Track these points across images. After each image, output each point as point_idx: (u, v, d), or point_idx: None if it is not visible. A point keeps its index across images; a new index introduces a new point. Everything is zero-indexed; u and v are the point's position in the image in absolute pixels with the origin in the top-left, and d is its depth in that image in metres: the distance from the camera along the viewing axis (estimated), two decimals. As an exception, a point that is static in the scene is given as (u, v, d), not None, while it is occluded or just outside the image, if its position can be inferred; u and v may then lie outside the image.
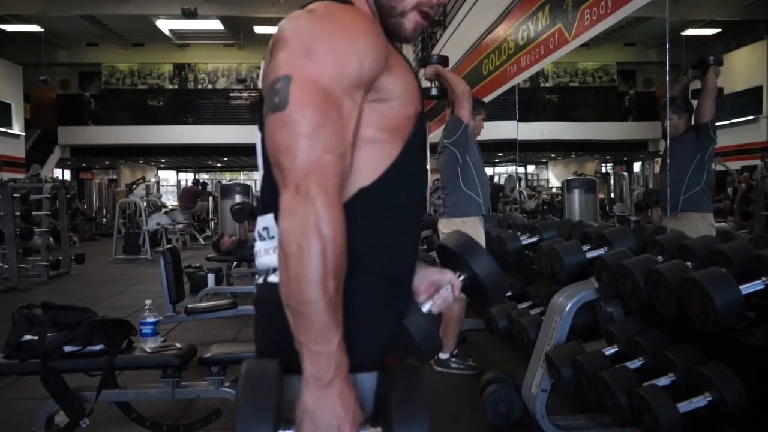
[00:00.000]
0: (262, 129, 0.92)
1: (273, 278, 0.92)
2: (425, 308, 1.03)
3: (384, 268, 0.93)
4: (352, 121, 0.85)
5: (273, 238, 0.92)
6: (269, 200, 0.90)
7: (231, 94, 18.23)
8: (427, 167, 1.06)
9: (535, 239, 3.52)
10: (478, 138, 3.68)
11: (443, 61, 3.64)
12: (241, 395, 0.78)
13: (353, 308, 0.86)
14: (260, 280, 0.96)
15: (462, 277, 1.08)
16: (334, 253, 0.78)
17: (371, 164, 0.90)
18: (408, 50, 10.95)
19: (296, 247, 0.77)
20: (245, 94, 18.17)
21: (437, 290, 1.07)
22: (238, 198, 11.07)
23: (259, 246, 0.96)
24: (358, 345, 0.87)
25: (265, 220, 0.94)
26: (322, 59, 0.82)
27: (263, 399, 0.78)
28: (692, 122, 3.25)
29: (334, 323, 0.79)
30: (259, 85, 0.95)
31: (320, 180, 0.79)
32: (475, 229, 3.48)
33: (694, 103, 3.29)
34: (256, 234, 0.97)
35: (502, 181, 16.05)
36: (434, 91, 3.51)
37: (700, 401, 1.89)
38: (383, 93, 0.89)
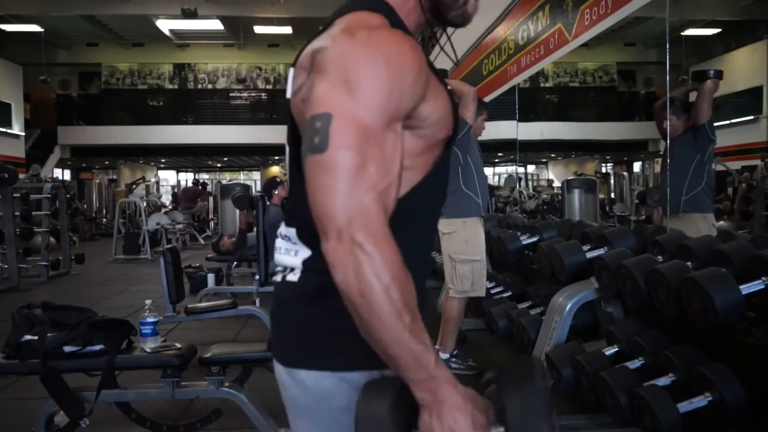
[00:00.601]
0: (290, 144, 0.93)
1: (292, 277, 0.94)
2: None
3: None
4: (396, 154, 0.82)
5: (295, 243, 0.94)
6: (295, 214, 0.92)
7: (231, 94, 18.23)
8: (446, 192, 1.04)
9: (535, 239, 3.52)
10: (478, 138, 3.68)
11: (443, 73, 3.64)
12: (363, 417, 0.79)
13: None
14: (278, 278, 0.97)
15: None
16: (398, 289, 0.77)
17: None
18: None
19: (360, 297, 0.76)
20: (245, 94, 18.17)
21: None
22: (238, 198, 11.07)
23: (280, 243, 0.97)
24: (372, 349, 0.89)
25: (287, 231, 0.96)
26: (363, 95, 0.79)
27: (386, 417, 0.78)
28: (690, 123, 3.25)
29: (422, 349, 0.79)
30: (287, 94, 0.92)
31: (364, 223, 0.77)
32: (475, 229, 3.48)
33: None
34: (279, 231, 0.98)
35: (502, 182, 16.05)
36: None
37: (700, 401, 1.89)
38: (418, 121, 0.87)
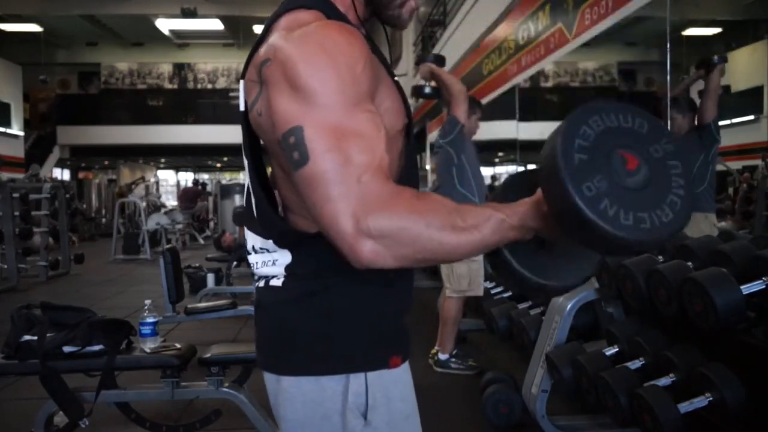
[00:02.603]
0: (248, 156, 0.93)
1: (275, 282, 0.92)
2: None
3: (384, 274, 0.91)
4: (378, 132, 0.81)
5: (274, 252, 0.92)
6: (268, 226, 0.91)
7: (231, 94, 18.20)
8: (428, 167, 1.02)
9: (535, 239, 3.51)
10: (478, 138, 3.67)
11: (440, 60, 3.60)
12: None
13: (356, 311, 0.87)
14: (261, 284, 0.96)
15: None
16: (433, 216, 0.77)
17: None
18: (408, 51, 10.96)
19: (420, 256, 0.77)
20: (245, 94, 18.13)
21: None
22: (237, 198, 11.07)
23: (256, 259, 0.95)
24: (362, 346, 0.88)
25: (264, 243, 0.94)
26: (319, 98, 0.79)
27: None
28: (696, 122, 3.24)
29: (492, 214, 0.80)
30: (240, 107, 0.93)
31: (368, 210, 0.76)
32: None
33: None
34: (249, 247, 0.97)
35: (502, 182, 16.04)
36: (427, 90, 3.44)
37: (700, 401, 1.88)
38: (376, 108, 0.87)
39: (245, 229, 1.00)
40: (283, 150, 0.81)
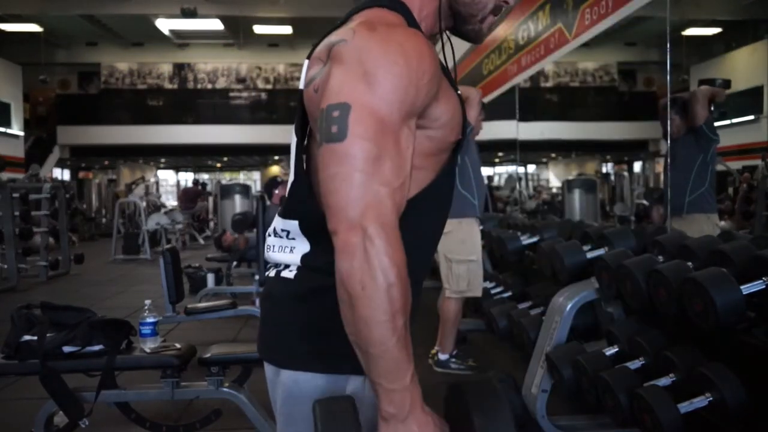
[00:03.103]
0: (298, 133, 0.91)
1: (287, 274, 0.92)
2: None
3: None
4: (409, 150, 0.82)
5: (293, 239, 0.92)
6: (298, 207, 0.90)
7: (231, 94, 18.21)
8: (453, 190, 1.04)
9: (535, 239, 3.52)
10: (478, 138, 3.68)
11: None
12: None
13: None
14: (272, 273, 0.95)
15: None
16: (399, 290, 0.76)
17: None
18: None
19: (360, 288, 0.75)
20: (245, 94, 18.16)
21: None
22: (237, 198, 11.06)
23: (273, 242, 0.95)
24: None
25: (286, 224, 0.93)
26: (381, 88, 0.79)
27: None
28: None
29: (405, 358, 0.78)
30: (300, 85, 0.92)
31: (377, 216, 0.76)
32: (471, 229, 3.48)
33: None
34: (270, 230, 0.96)
35: (502, 182, 16.06)
36: None
37: (700, 401, 1.88)
38: (430, 121, 0.87)
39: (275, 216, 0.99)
40: (322, 120, 0.80)
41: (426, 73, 0.82)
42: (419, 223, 0.92)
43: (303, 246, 0.91)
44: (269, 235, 0.97)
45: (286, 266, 0.93)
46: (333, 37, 0.87)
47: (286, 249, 0.93)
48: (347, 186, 0.77)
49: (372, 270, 0.75)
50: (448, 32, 1.01)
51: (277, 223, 0.95)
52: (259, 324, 0.98)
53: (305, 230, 0.91)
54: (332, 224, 0.78)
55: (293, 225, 0.92)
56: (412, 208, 0.88)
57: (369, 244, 0.75)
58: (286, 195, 0.96)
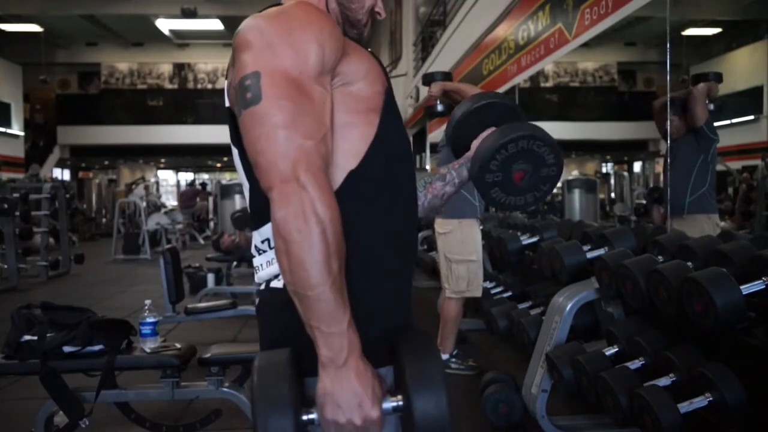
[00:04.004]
0: (236, 144, 0.93)
1: (277, 284, 0.93)
2: None
3: (384, 248, 0.94)
4: (326, 106, 0.86)
5: (272, 249, 0.92)
6: (263, 210, 0.90)
7: (231, 94, 18.19)
8: (409, 139, 1.10)
9: (535, 239, 3.51)
10: (478, 138, 3.67)
11: (448, 77, 3.64)
12: (258, 384, 0.78)
13: (352, 289, 0.87)
14: (262, 286, 0.97)
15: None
16: (333, 233, 0.79)
17: (354, 147, 0.91)
18: (408, 51, 10.95)
19: (296, 233, 0.78)
20: (245, 94, 18.12)
21: None
22: (238, 198, 11.05)
23: (260, 260, 0.96)
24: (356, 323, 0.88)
25: (262, 233, 0.94)
26: (286, 52, 0.84)
27: (281, 385, 0.78)
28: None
29: (341, 303, 0.80)
30: (226, 102, 0.95)
31: (307, 166, 0.80)
32: (471, 230, 3.48)
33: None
34: (253, 249, 0.97)
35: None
36: (440, 108, 3.51)
37: (700, 402, 1.88)
38: (348, 76, 0.91)
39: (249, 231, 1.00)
40: (237, 92, 0.84)
41: (324, 30, 0.87)
42: (384, 183, 0.94)
43: None
44: (254, 256, 0.97)
45: (276, 276, 0.93)
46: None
47: (273, 262, 0.93)
48: (273, 143, 0.80)
49: (306, 215, 0.78)
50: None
51: (255, 239, 0.96)
52: (258, 337, 0.99)
53: None
54: (265, 182, 0.81)
55: (268, 230, 0.93)
56: (373, 161, 0.92)
57: (303, 192, 0.78)
58: (249, 207, 0.97)
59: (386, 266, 0.94)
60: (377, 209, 0.93)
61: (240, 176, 0.97)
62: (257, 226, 0.95)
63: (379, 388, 0.83)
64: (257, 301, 0.99)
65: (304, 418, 0.80)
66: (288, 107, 0.82)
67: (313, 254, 0.78)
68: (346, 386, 0.79)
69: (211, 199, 14.48)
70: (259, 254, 0.96)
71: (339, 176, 0.90)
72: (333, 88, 0.90)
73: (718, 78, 3.23)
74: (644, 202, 9.12)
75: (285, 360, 0.82)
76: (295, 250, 0.78)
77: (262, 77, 0.82)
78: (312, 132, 0.82)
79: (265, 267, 0.95)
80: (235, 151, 0.95)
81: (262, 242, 0.95)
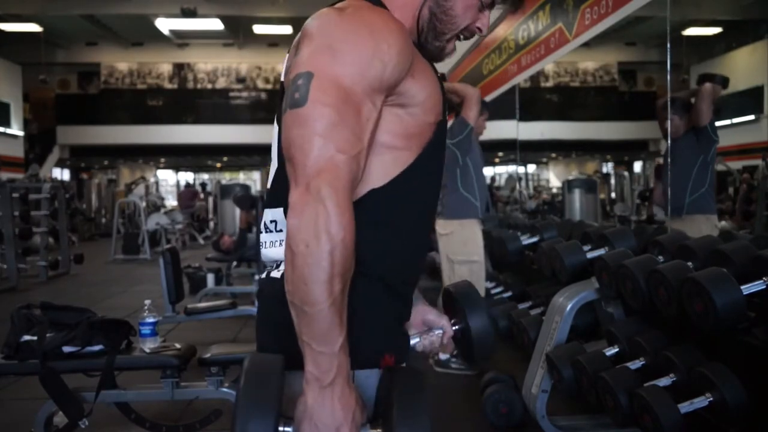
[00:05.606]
0: (279, 122, 0.92)
1: (276, 273, 0.93)
2: (411, 342, 1.02)
3: (388, 271, 0.92)
4: (370, 124, 0.84)
5: (280, 231, 0.93)
6: (280, 194, 0.90)
7: (230, 94, 18.20)
8: (442, 174, 1.06)
9: (535, 239, 3.51)
10: (479, 137, 3.68)
11: (441, 78, 3.65)
12: (243, 389, 0.78)
13: (354, 307, 0.86)
14: (264, 275, 0.97)
15: (456, 327, 1.06)
16: (342, 254, 0.77)
17: (385, 168, 0.89)
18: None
19: (304, 246, 0.77)
20: (245, 94, 18.16)
21: (428, 331, 1.05)
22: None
23: (265, 238, 0.96)
24: (356, 342, 0.87)
25: (273, 213, 0.95)
26: (345, 59, 0.82)
27: (265, 394, 0.77)
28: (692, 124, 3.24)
29: (338, 325, 0.79)
30: (282, 78, 0.96)
31: (332, 179, 0.78)
32: (472, 231, 3.48)
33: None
34: (261, 226, 0.98)
35: (502, 182, 16.04)
36: None
37: (701, 402, 1.88)
38: (405, 98, 0.88)
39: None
40: (288, 89, 0.83)
41: (392, 47, 0.84)
42: (408, 202, 0.93)
43: None
44: (261, 232, 0.98)
45: (277, 265, 0.94)
46: (305, 24, 0.90)
47: (275, 243, 0.94)
48: (307, 148, 0.79)
49: (318, 230, 0.76)
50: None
51: (266, 215, 0.97)
52: (255, 327, 0.99)
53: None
54: (291, 184, 0.81)
55: (279, 214, 0.93)
56: (400, 187, 0.90)
57: (320, 206, 0.77)
58: (269, 185, 0.97)
59: (387, 288, 0.92)
60: (388, 232, 0.92)
61: (272, 151, 0.97)
62: (270, 205, 0.96)
63: (360, 415, 0.82)
64: (258, 290, 1.00)
65: (281, 429, 0.79)
66: (330, 116, 0.79)
67: (317, 272, 0.76)
68: (327, 407, 0.78)
69: (210, 199, 14.49)
70: (266, 232, 0.96)
71: (361, 189, 0.88)
72: (386, 105, 0.87)
73: (725, 82, 3.22)
74: (640, 201, 9.15)
75: (274, 368, 0.81)
76: (299, 263, 0.77)
77: (313, 80, 0.81)
78: (347, 146, 0.80)
79: (269, 246, 0.95)
80: (275, 128, 0.96)
81: (271, 222, 0.95)
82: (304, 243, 0.76)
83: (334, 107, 0.80)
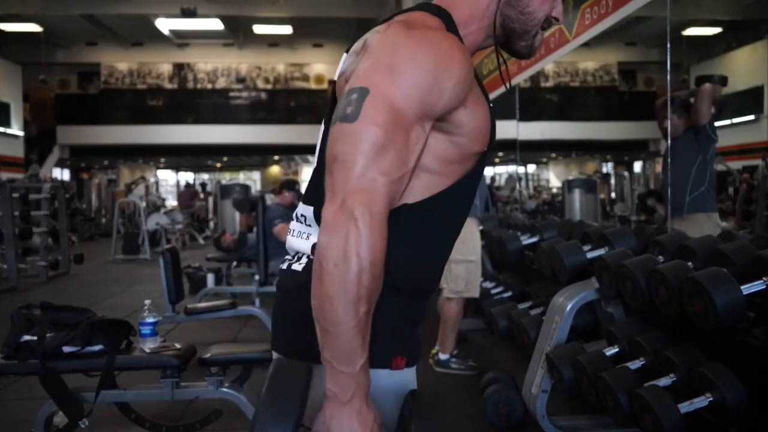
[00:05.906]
0: (327, 125, 0.92)
1: (297, 266, 0.94)
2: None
3: (408, 283, 0.92)
4: (417, 148, 0.84)
5: (309, 225, 0.94)
6: (313, 193, 0.92)
7: (230, 94, 18.20)
8: (473, 200, 1.05)
9: (535, 239, 3.51)
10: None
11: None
12: (265, 396, 0.78)
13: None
14: (284, 266, 0.98)
15: None
16: (370, 277, 0.77)
17: (419, 188, 0.89)
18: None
19: (332, 266, 0.76)
20: (245, 94, 18.15)
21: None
22: (237, 198, 11.06)
23: (294, 225, 0.98)
24: (369, 343, 0.88)
25: (304, 209, 0.96)
26: (403, 81, 0.81)
27: (286, 405, 0.77)
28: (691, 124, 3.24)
29: (360, 345, 0.79)
30: (335, 77, 0.96)
31: (368, 201, 0.77)
32: (471, 230, 3.48)
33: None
34: (294, 214, 0.99)
35: (502, 182, 16.05)
36: None
37: (701, 402, 1.88)
38: (453, 126, 0.88)
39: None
40: (341, 100, 0.83)
41: (453, 76, 0.83)
42: (434, 225, 0.93)
43: (316, 235, 0.92)
44: (293, 220, 0.99)
45: (299, 258, 0.95)
46: (371, 32, 0.90)
47: (303, 235, 0.95)
48: (350, 165, 0.79)
49: (348, 251, 0.76)
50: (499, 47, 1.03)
51: (300, 207, 0.98)
52: (272, 316, 1.00)
53: (318, 218, 0.92)
54: (327, 196, 0.81)
55: (309, 211, 0.94)
56: (428, 209, 0.89)
57: (353, 226, 0.76)
58: (309, 180, 0.98)
59: (404, 298, 0.92)
60: (411, 245, 0.91)
61: (316, 149, 0.97)
62: (304, 200, 0.97)
63: None
64: (277, 281, 1.00)
65: None
66: (378, 136, 0.79)
67: (344, 293, 0.76)
68: (345, 424, 0.79)
69: (210, 199, 14.49)
70: (297, 221, 0.97)
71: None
72: (434, 129, 0.86)
73: (724, 81, 3.22)
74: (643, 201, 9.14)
75: (300, 376, 0.81)
76: (327, 281, 0.77)
77: (368, 97, 0.80)
78: (390, 169, 0.80)
79: (296, 236, 0.96)
80: (322, 128, 0.96)
81: (301, 216, 0.97)
82: (333, 262, 0.76)
83: (384, 128, 0.79)
